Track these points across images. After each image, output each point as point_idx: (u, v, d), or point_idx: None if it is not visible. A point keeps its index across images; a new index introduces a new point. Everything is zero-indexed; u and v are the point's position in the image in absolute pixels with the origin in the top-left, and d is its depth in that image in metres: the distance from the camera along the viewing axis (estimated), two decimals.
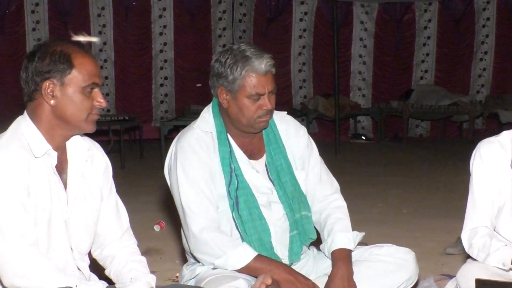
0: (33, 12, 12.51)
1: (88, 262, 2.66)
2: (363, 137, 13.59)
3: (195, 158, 2.99)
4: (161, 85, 13.27)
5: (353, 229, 3.14)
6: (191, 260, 3.14)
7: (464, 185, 3.22)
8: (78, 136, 2.58)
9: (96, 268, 2.73)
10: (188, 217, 2.96)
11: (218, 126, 3.06)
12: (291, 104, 13.54)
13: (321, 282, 3.03)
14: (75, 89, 2.44)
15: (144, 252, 2.91)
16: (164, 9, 13.06)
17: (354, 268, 3.02)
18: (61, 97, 2.44)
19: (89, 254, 2.69)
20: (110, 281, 2.66)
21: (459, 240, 4.06)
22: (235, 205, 2.99)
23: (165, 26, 13.13)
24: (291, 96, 13.74)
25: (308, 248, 3.23)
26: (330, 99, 12.58)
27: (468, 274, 2.81)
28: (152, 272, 2.73)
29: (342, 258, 3.02)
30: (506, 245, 2.86)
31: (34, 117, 2.47)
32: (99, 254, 2.71)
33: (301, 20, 13.69)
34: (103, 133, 9.79)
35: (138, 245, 2.76)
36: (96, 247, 2.70)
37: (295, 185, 3.11)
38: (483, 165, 2.94)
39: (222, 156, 3.02)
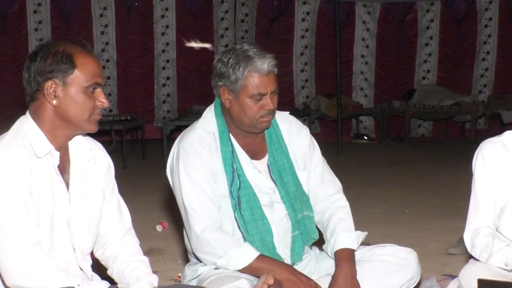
0: (35, 12, 12.51)
1: (90, 262, 2.66)
2: (365, 137, 13.59)
3: (197, 158, 2.99)
4: (163, 85, 13.27)
5: (356, 229, 3.14)
6: (193, 260, 3.14)
7: (466, 185, 3.21)
8: (81, 136, 2.58)
9: (99, 268, 2.73)
10: (190, 217, 2.96)
11: (220, 126, 3.06)
12: (293, 104, 13.54)
13: (323, 282, 3.02)
14: (78, 89, 2.44)
15: (146, 252, 2.91)
16: (167, 9, 13.06)
17: (357, 268, 3.02)
18: (63, 97, 2.44)
19: (92, 254, 2.70)
20: (112, 281, 2.66)
21: (461, 240, 4.06)
22: (237, 205, 2.99)
23: (167, 26, 13.13)
24: (293, 96, 13.74)
25: (310, 248, 3.23)
26: (332, 99, 12.58)
27: (470, 274, 2.80)
28: (154, 272, 2.73)
29: (345, 258, 3.02)
30: (508, 245, 2.86)
31: (36, 117, 2.47)
32: (101, 254, 2.71)
33: (303, 20, 13.69)
34: (105, 133, 9.80)
35: (140, 245, 2.76)
36: (99, 247, 2.70)
37: (297, 185, 3.11)
38: (485, 165, 2.94)
39: (224, 156, 3.02)
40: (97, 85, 2.48)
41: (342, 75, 11.70)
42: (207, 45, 13.00)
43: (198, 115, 3.31)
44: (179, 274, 3.97)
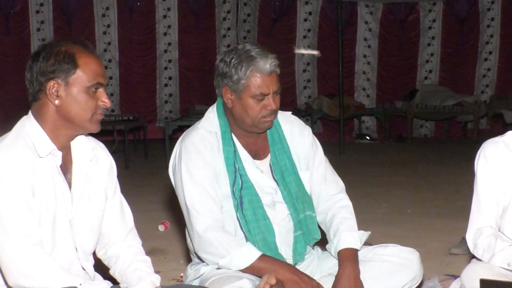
0: (37, 12, 12.51)
1: (92, 262, 2.66)
2: (368, 137, 13.58)
3: (200, 158, 2.99)
4: (166, 85, 13.28)
5: (358, 229, 3.14)
6: (195, 260, 3.14)
7: (468, 185, 3.21)
8: (83, 136, 2.58)
9: (101, 268, 2.73)
10: (192, 217, 2.96)
11: (222, 126, 3.06)
12: (296, 104, 13.54)
13: (326, 282, 3.03)
14: (80, 89, 2.45)
15: (148, 252, 2.91)
16: (169, 9, 13.06)
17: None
18: (65, 97, 2.44)
19: (94, 254, 2.70)
20: (114, 281, 2.66)
21: (463, 240, 4.06)
22: (239, 205, 2.99)
23: (169, 26, 13.14)
24: (296, 96, 13.74)
25: (313, 248, 3.23)
26: (334, 99, 12.59)
27: (472, 274, 2.80)
28: (157, 272, 2.73)
29: (348, 258, 3.02)
30: (510, 245, 2.86)
31: (38, 117, 2.47)
32: (103, 254, 2.72)
33: (305, 20, 13.68)
34: (107, 133, 9.81)
35: (142, 245, 2.76)
36: (101, 247, 2.70)
37: (299, 185, 3.11)
38: (487, 165, 2.94)
39: (226, 156, 3.02)
40: (99, 85, 2.48)
41: (344, 75, 11.68)
42: (315, 52, 13.07)
43: (200, 115, 3.31)
44: (181, 274, 3.98)
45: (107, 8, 12.80)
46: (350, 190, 3.31)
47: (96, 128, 2.52)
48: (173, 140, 6.37)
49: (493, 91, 13.77)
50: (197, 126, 3.09)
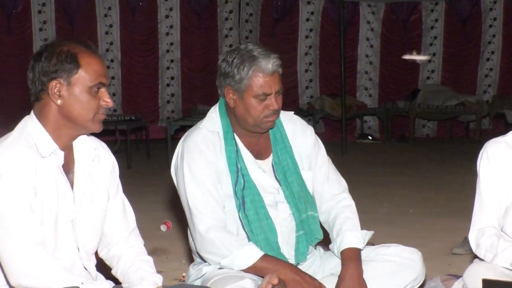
0: (40, 12, 12.53)
1: (94, 261, 2.67)
2: (370, 137, 13.58)
3: (202, 158, 2.99)
4: (168, 85, 13.28)
5: (360, 229, 3.14)
6: (197, 259, 3.14)
7: (471, 185, 3.21)
8: (85, 136, 2.58)
9: (103, 268, 2.73)
10: (194, 216, 2.96)
11: (224, 126, 3.06)
12: (298, 104, 13.53)
13: (328, 282, 3.02)
14: (82, 88, 2.45)
15: (150, 252, 2.91)
16: (171, 9, 13.07)
17: None
18: (67, 97, 2.44)
19: (96, 253, 2.70)
20: (116, 281, 2.66)
21: (466, 240, 4.06)
22: (241, 205, 2.99)
23: (171, 26, 13.14)
24: (298, 96, 13.74)
25: (315, 248, 3.23)
26: (336, 99, 12.58)
27: (475, 274, 2.80)
28: (159, 271, 2.73)
29: (351, 257, 3.02)
30: None
31: (41, 117, 2.47)
32: (105, 254, 2.72)
33: (307, 20, 13.68)
34: (109, 133, 9.81)
35: (144, 245, 2.76)
36: (103, 246, 2.70)
37: (301, 185, 3.11)
38: (490, 165, 2.94)
39: (228, 156, 3.02)
40: (102, 85, 2.48)
41: (346, 75, 11.69)
42: (425, 58, 13.12)
43: (202, 115, 3.31)
44: (184, 274, 3.97)
45: (109, 8, 12.81)
46: (352, 190, 3.31)
47: (98, 128, 2.52)
48: (175, 140, 6.38)
49: (495, 91, 13.76)
50: (199, 126, 3.09)
